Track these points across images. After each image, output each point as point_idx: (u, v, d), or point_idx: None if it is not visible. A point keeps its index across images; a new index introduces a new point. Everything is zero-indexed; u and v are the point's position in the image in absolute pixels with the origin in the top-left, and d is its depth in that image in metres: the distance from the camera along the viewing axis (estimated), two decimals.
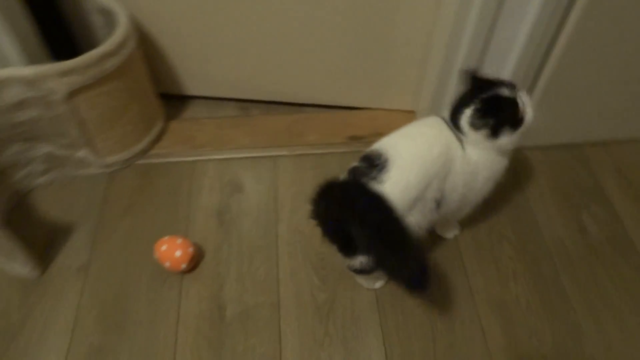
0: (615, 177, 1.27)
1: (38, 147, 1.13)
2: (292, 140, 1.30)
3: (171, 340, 0.97)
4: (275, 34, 1.22)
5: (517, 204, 1.20)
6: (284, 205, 1.18)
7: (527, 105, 0.86)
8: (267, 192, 1.21)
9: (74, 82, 1.01)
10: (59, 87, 1.00)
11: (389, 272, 0.89)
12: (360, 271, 0.96)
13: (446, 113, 0.91)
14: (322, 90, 1.37)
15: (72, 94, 1.03)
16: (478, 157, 0.87)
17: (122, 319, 1.00)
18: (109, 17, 1.14)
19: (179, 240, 1.03)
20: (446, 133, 0.86)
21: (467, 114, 0.86)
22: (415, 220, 0.84)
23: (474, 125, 0.85)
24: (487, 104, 0.84)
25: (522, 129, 0.86)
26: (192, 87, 1.39)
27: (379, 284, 1.04)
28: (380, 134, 1.30)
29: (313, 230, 1.13)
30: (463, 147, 0.86)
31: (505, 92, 0.86)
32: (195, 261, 1.06)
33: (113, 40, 1.05)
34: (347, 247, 0.91)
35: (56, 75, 0.99)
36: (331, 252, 1.09)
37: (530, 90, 1.17)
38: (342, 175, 0.90)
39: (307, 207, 1.16)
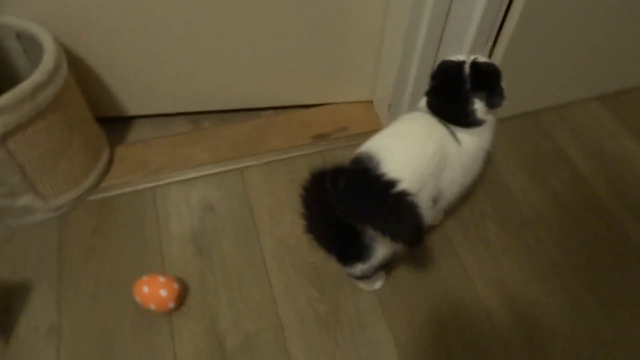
0: (571, 138, 1.34)
1: None
2: (256, 149, 1.24)
3: None
4: (218, 39, 1.14)
5: (490, 179, 1.23)
6: (261, 218, 1.13)
7: None
8: (241, 207, 1.14)
9: (6, 123, 0.88)
10: None
11: (386, 234, 0.86)
12: (362, 277, 0.93)
13: (424, 107, 0.89)
14: (277, 92, 1.31)
15: (6, 136, 0.90)
16: (477, 142, 0.86)
17: None
18: (28, 43, 1.01)
19: (162, 279, 0.95)
20: (439, 129, 0.84)
21: (476, 103, 0.83)
22: None
23: (493, 105, 0.83)
24: (486, 79, 0.83)
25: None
26: (133, 106, 1.27)
27: (378, 284, 1.02)
28: (343, 129, 1.30)
29: (299, 240, 1.10)
30: (458, 140, 0.85)
31: (480, 60, 0.85)
32: (182, 297, 0.99)
33: (43, 68, 0.93)
34: (346, 256, 0.88)
35: None
36: (322, 258, 1.06)
37: (485, 51, 1.18)
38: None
39: (286, 216, 1.14)
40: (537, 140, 1.33)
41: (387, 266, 0.94)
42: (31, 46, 1.01)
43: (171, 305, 0.94)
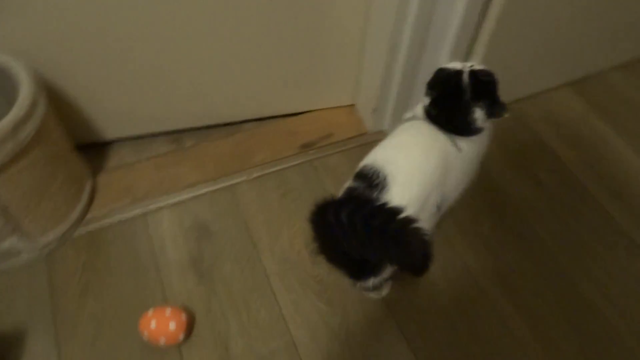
0: (547, 125, 1.39)
1: None
2: (244, 164, 1.22)
3: None
4: (195, 54, 1.11)
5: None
6: (259, 236, 1.11)
7: None
8: (237, 226, 1.13)
9: None
10: None
11: (394, 264, 0.87)
12: (373, 289, 0.94)
13: (422, 115, 0.90)
14: (258, 103, 1.29)
15: None
16: (476, 147, 0.88)
17: None
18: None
19: (168, 311, 0.92)
20: (440, 138, 0.86)
21: (477, 112, 0.85)
22: None
23: (493, 114, 0.86)
24: (485, 88, 0.85)
25: None
26: (112, 129, 1.23)
27: (385, 291, 1.03)
28: (330, 135, 1.30)
29: (300, 253, 1.09)
30: (458, 148, 0.86)
31: (477, 68, 0.87)
32: (191, 327, 0.96)
33: (22, 103, 0.87)
34: (357, 272, 0.88)
35: None
36: (326, 270, 1.06)
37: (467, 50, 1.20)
38: (337, 195, 0.86)
39: (284, 231, 1.13)
40: (515, 129, 1.37)
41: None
42: (2, 78, 0.95)
43: (181, 337, 0.92)
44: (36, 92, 0.91)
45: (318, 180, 1.22)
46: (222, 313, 0.99)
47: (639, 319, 1.03)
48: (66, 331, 0.96)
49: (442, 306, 1.03)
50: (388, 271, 0.86)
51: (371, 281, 0.88)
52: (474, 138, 0.87)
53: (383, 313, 1.01)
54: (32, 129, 0.89)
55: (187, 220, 1.13)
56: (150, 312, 0.92)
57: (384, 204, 0.77)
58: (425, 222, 0.83)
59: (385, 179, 0.80)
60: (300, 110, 1.34)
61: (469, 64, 0.86)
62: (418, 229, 0.75)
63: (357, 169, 0.85)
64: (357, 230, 0.75)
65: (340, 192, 0.87)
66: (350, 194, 0.83)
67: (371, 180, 0.81)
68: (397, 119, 1.26)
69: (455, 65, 0.86)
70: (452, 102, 0.85)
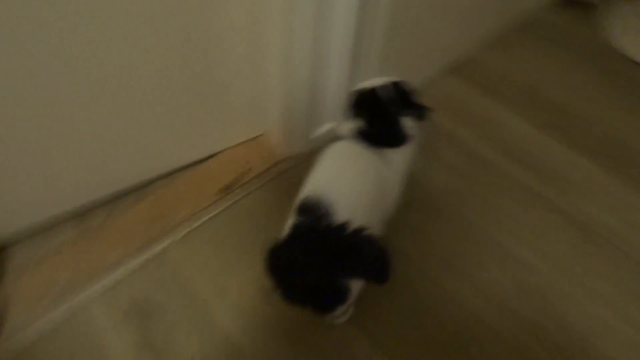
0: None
1: None
2: (166, 225, 1.15)
3: None
4: (87, 119, 1.03)
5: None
6: (207, 295, 1.06)
7: None
8: (179, 292, 1.06)
9: None
10: None
11: (358, 277, 0.88)
12: (340, 315, 0.95)
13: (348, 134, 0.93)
14: (165, 157, 1.23)
15: None
16: (405, 155, 0.93)
17: None
18: None
19: None
20: (370, 156, 0.89)
21: (407, 121, 0.91)
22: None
23: (421, 118, 0.92)
24: (410, 97, 0.91)
25: None
26: (4, 225, 1.09)
27: (350, 311, 1.04)
28: (247, 171, 1.28)
29: (255, 299, 1.07)
30: (389, 160, 0.90)
31: (396, 81, 0.94)
32: None
33: None
34: (326, 305, 0.88)
35: None
36: (286, 308, 1.04)
37: (367, 62, 1.26)
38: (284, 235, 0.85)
39: (230, 282, 1.09)
40: None
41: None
42: None
43: None
44: None
45: (250, 219, 1.19)
46: None
47: (562, 262, 1.16)
48: None
49: (406, 309, 1.07)
50: (354, 293, 0.87)
51: (339, 309, 0.88)
52: (403, 153, 0.91)
53: (357, 335, 1.02)
54: None
55: (123, 304, 1.04)
56: None
57: (330, 224, 0.78)
58: (374, 228, 0.86)
59: (329, 207, 0.81)
60: (210, 154, 1.30)
61: (385, 79, 0.91)
62: (371, 236, 0.78)
63: (298, 203, 0.85)
64: (316, 260, 0.76)
65: (285, 230, 0.86)
66: (297, 230, 0.83)
67: (315, 211, 0.81)
68: (309, 140, 1.30)
69: (372, 81, 0.91)
70: (383, 117, 0.89)
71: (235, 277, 1.09)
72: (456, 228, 1.21)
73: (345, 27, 1.10)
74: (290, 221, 0.85)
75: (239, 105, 1.25)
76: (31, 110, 0.94)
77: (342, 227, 0.77)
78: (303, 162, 1.32)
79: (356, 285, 0.86)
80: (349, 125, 0.92)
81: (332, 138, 1.33)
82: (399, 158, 0.91)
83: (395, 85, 0.89)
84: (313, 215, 0.81)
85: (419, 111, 0.91)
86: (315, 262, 0.76)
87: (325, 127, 1.33)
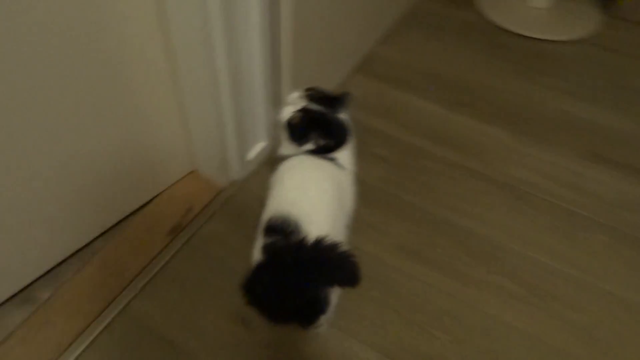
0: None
1: None
2: (122, 282, 1.11)
3: None
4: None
5: None
6: (184, 341, 1.04)
7: None
8: (155, 345, 1.03)
9: None
10: None
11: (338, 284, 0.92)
12: (323, 324, 0.98)
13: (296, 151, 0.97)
14: (102, 214, 1.19)
15: None
16: (351, 156, 0.99)
17: None
18: None
19: None
20: (325, 166, 0.93)
21: (342, 115, 0.99)
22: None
23: (347, 105, 1.02)
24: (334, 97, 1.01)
25: None
26: None
27: (331, 318, 1.07)
28: (190, 209, 1.28)
29: (236, 331, 1.07)
30: (341, 166, 0.95)
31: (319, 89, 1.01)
32: None
33: None
34: (308, 318, 0.90)
35: None
36: (267, 330, 1.06)
37: (283, 77, 1.30)
38: (257, 257, 0.87)
39: (206, 319, 1.08)
40: None
41: None
42: None
43: None
44: None
45: (208, 253, 1.19)
46: None
47: (502, 224, 1.29)
48: None
49: (366, 291, 1.13)
50: (334, 302, 0.91)
51: (322, 319, 0.91)
52: (348, 150, 0.97)
53: (339, 335, 1.06)
54: None
55: None
56: None
57: (303, 240, 0.81)
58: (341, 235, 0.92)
59: (296, 223, 0.84)
60: (146, 200, 1.28)
61: (298, 92, 0.98)
62: (342, 249, 0.82)
63: (265, 224, 0.87)
64: (293, 278, 0.79)
65: (255, 253, 0.88)
66: (269, 251, 0.85)
67: (284, 230, 0.84)
68: (245, 163, 1.32)
69: (293, 99, 0.96)
70: (328, 125, 0.95)
71: (207, 314, 1.08)
72: (403, 215, 1.30)
73: (257, 50, 1.15)
74: (258, 243, 0.87)
75: (168, 145, 1.25)
76: None
77: (310, 241, 0.81)
78: (245, 185, 1.34)
79: (335, 293, 0.90)
80: (303, 147, 0.97)
81: (271, 157, 1.38)
82: (347, 159, 0.97)
83: (316, 91, 0.97)
84: (281, 234, 0.84)
85: (344, 101, 1.00)
86: (293, 280, 0.79)
87: (258, 147, 1.36)
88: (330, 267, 0.81)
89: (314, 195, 0.88)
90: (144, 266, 1.15)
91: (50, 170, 1.01)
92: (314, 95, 0.99)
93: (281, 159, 0.99)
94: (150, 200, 1.28)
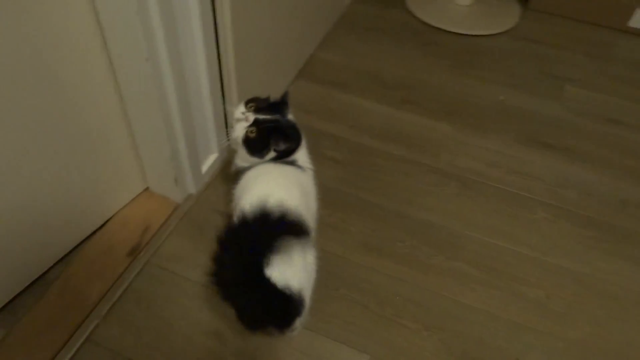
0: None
1: None
2: (83, 309, 1.08)
3: None
4: None
5: None
6: None
7: None
8: None
9: None
10: None
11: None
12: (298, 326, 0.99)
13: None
14: (55, 242, 1.15)
15: None
16: (306, 151, 1.02)
17: None
18: None
19: None
20: (288, 170, 0.95)
21: (289, 116, 1.04)
22: None
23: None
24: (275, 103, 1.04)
25: None
26: None
27: (304, 320, 1.08)
28: (147, 228, 1.25)
29: (210, 347, 1.06)
30: (302, 168, 0.97)
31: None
32: None
33: None
34: (288, 320, 0.92)
35: None
36: (249, 337, 1.07)
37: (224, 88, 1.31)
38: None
39: (176, 336, 1.06)
40: None
41: None
42: None
43: None
44: None
45: (171, 272, 1.17)
46: None
47: (454, 212, 1.36)
48: None
49: (331, 290, 1.16)
50: (308, 302, 0.93)
51: (298, 321, 0.93)
52: (303, 149, 0.99)
53: (317, 335, 1.08)
54: None
55: None
56: None
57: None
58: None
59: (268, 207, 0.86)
60: (100, 224, 1.24)
61: (242, 107, 1.01)
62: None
63: (236, 219, 0.88)
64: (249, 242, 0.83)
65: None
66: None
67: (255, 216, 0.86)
68: (200, 175, 1.31)
69: (239, 113, 0.99)
70: (279, 129, 0.97)
71: (177, 332, 1.07)
72: (361, 212, 1.34)
73: (200, 63, 1.15)
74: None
75: (117, 165, 1.22)
76: None
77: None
78: (201, 198, 1.33)
79: (308, 292, 0.92)
80: (264, 156, 0.98)
81: (225, 168, 1.38)
82: (305, 158, 1.01)
83: (257, 101, 1.00)
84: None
85: (286, 101, 1.04)
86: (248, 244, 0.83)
87: (210, 159, 1.36)
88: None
89: (282, 201, 0.90)
90: (105, 290, 1.11)
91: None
92: (259, 105, 1.01)
93: (241, 171, 1.00)
94: (105, 224, 1.25)
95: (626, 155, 1.56)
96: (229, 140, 1.04)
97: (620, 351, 1.11)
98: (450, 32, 2.03)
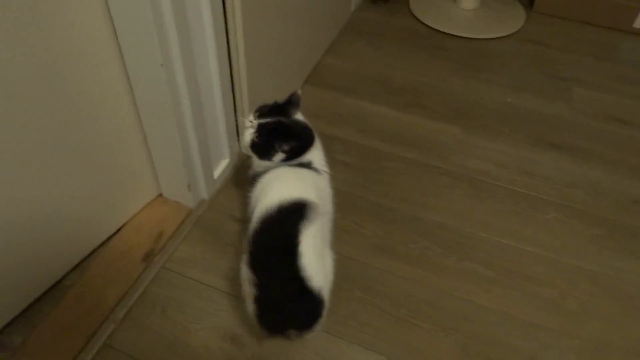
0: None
1: None
2: (100, 315, 1.09)
3: None
4: None
5: None
6: None
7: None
8: None
9: None
10: None
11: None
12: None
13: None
14: (70, 249, 1.16)
15: None
16: (322, 156, 1.04)
17: None
18: None
19: None
20: (305, 174, 0.97)
21: (299, 116, 1.07)
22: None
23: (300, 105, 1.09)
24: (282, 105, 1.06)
25: None
26: None
27: (323, 322, 1.09)
28: (161, 233, 1.26)
29: (230, 352, 1.07)
30: (318, 171, 0.99)
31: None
32: None
33: None
34: (312, 321, 0.94)
35: None
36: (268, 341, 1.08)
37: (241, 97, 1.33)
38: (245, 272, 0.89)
39: (195, 345, 1.07)
40: None
41: None
42: None
43: None
44: None
45: (186, 276, 1.19)
46: None
47: (465, 214, 1.37)
48: None
49: (346, 293, 1.17)
50: (327, 302, 0.94)
51: (320, 322, 0.94)
52: (318, 150, 1.02)
53: (333, 340, 1.09)
54: None
55: None
56: None
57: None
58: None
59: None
60: (114, 230, 1.25)
61: (250, 116, 1.04)
62: None
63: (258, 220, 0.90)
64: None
65: (243, 268, 0.90)
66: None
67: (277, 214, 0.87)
68: (213, 181, 1.32)
69: (248, 122, 1.02)
70: (283, 129, 1.00)
71: (194, 336, 1.08)
72: (373, 215, 1.35)
73: (213, 70, 1.18)
74: (246, 257, 0.89)
75: (131, 172, 1.24)
76: None
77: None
78: (214, 203, 1.35)
79: (326, 290, 0.93)
80: (274, 160, 1.00)
81: (237, 172, 1.40)
82: (320, 160, 1.02)
83: (263, 107, 1.03)
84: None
85: (293, 101, 1.06)
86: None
87: (222, 164, 1.38)
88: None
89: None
90: (121, 296, 1.13)
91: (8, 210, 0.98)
92: (263, 110, 1.04)
93: (257, 175, 1.01)
94: (119, 230, 1.26)
95: (635, 154, 1.57)
96: (241, 148, 1.06)
97: (635, 348, 1.11)
98: (455, 36, 2.05)
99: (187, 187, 1.28)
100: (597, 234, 1.34)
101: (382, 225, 1.33)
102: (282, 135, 0.98)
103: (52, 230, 1.10)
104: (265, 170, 0.99)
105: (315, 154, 1.01)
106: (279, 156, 0.99)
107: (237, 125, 1.36)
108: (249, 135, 1.01)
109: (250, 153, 1.02)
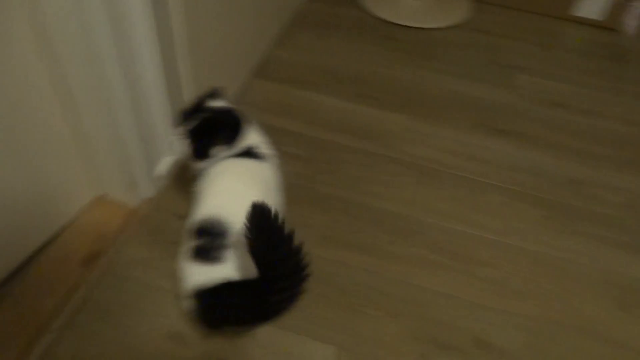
0: (264, 112, 1.62)
1: None
2: (37, 325, 1.04)
3: None
4: None
5: None
6: None
7: None
8: None
9: None
10: None
11: None
12: None
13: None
14: (5, 253, 1.11)
15: None
16: (261, 137, 1.04)
17: None
18: None
19: None
20: (245, 163, 0.96)
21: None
22: None
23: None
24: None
25: None
26: None
27: None
28: (102, 235, 1.23)
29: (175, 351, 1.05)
30: (262, 156, 0.97)
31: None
32: None
33: None
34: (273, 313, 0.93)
35: None
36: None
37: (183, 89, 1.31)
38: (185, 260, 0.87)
39: (139, 346, 1.04)
40: None
41: None
42: None
43: None
44: None
45: (130, 279, 1.16)
46: None
47: (415, 201, 1.39)
48: None
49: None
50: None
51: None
52: (254, 133, 1.01)
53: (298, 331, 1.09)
54: None
55: None
56: None
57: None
58: None
59: (227, 225, 0.88)
60: (51, 234, 1.20)
61: (177, 126, 1.03)
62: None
63: (195, 226, 0.88)
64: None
65: (182, 257, 0.88)
66: (199, 251, 0.86)
67: (214, 232, 0.87)
68: (155, 180, 1.29)
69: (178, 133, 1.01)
70: (204, 123, 0.99)
71: (139, 338, 1.06)
72: (323, 206, 1.35)
73: (152, 61, 1.14)
74: (186, 246, 0.88)
75: (65, 172, 1.19)
76: None
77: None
78: (157, 202, 1.32)
79: None
80: (212, 154, 0.98)
81: (180, 170, 1.37)
82: (260, 143, 1.02)
83: (184, 111, 1.02)
84: (212, 236, 0.86)
85: (213, 94, 1.07)
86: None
87: (165, 161, 1.35)
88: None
89: (243, 196, 0.90)
90: (61, 303, 1.08)
91: None
92: (186, 114, 1.03)
93: (201, 170, 1.00)
94: (56, 235, 1.21)
95: (574, 137, 1.63)
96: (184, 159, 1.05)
97: (578, 325, 1.15)
98: (403, 26, 2.08)
99: (129, 186, 1.25)
100: (539, 214, 1.38)
101: (332, 215, 1.33)
102: (211, 130, 0.97)
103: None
104: (208, 166, 0.98)
105: (254, 138, 1.01)
106: (219, 149, 0.98)
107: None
108: (184, 145, 1.00)
109: (195, 161, 1.02)
